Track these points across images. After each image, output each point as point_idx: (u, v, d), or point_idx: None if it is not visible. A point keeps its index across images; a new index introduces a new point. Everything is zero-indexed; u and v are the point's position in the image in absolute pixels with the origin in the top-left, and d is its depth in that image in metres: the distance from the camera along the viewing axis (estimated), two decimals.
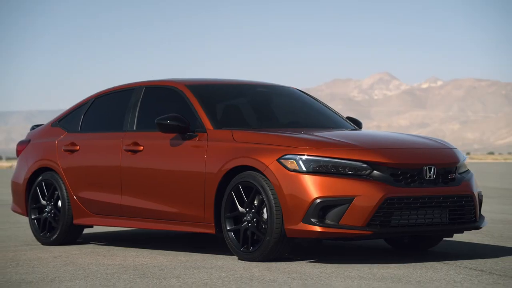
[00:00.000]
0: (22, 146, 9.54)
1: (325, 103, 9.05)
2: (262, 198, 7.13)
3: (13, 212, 10.13)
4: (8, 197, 20.43)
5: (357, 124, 8.88)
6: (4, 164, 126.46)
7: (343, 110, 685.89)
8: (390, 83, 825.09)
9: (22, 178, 9.26)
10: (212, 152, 7.57)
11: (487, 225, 10.60)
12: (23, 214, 9.30)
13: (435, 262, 7.09)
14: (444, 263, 7.06)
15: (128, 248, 8.51)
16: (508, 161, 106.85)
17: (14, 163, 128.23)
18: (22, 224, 11.86)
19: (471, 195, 7.32)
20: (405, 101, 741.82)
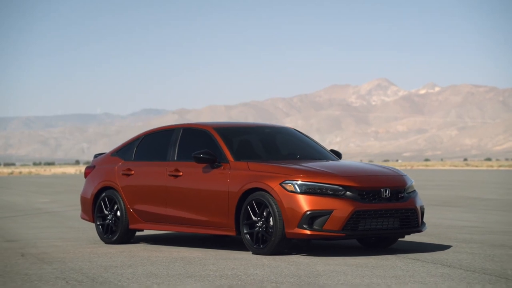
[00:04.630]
0: (89, 170, 12.69)
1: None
2: (269, 210, 10.23)
3: (70, 220, 13.11)
4: (52, 204, 23.51)
5: (338, 155, 12.00)
6: (5, 170, 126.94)
7: (342, 116, 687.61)
8: (388, 89, 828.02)
9: (89, 194, 12.40)
10: (233, 177, 10.68)
11: (438, 229, 13.75)
12: (90, 221, 12.44)
13: (388, 255, 10.21)
14: (395, 255, 10.17)
15: (170, 246, 11.63)
16: (501, 168, 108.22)
17: (14, 169, 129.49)
18: (77, 228, 15.01)
19: (415, 209, 10.47)
20: (403, 107, 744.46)
